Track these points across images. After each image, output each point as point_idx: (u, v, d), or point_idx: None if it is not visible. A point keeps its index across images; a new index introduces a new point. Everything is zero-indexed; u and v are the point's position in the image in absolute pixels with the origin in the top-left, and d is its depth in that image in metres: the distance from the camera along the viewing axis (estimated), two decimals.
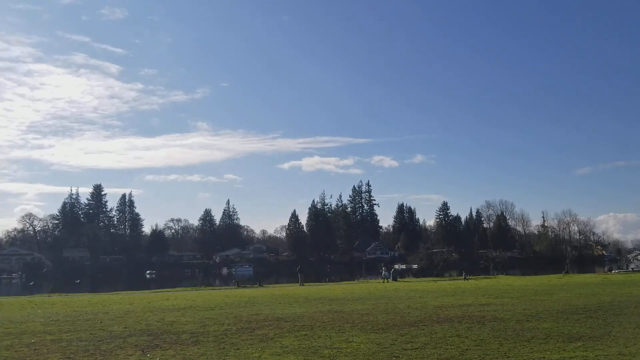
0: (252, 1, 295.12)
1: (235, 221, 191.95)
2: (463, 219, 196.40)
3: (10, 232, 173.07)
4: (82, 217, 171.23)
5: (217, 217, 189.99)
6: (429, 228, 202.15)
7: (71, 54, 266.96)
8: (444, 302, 25.84)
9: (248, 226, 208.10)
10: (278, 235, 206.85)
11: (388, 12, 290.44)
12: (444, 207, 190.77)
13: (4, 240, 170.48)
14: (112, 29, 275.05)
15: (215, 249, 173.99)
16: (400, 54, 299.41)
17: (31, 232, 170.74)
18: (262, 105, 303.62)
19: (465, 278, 56.54)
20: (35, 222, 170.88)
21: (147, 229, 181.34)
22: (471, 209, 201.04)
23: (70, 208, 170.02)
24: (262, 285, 51.70)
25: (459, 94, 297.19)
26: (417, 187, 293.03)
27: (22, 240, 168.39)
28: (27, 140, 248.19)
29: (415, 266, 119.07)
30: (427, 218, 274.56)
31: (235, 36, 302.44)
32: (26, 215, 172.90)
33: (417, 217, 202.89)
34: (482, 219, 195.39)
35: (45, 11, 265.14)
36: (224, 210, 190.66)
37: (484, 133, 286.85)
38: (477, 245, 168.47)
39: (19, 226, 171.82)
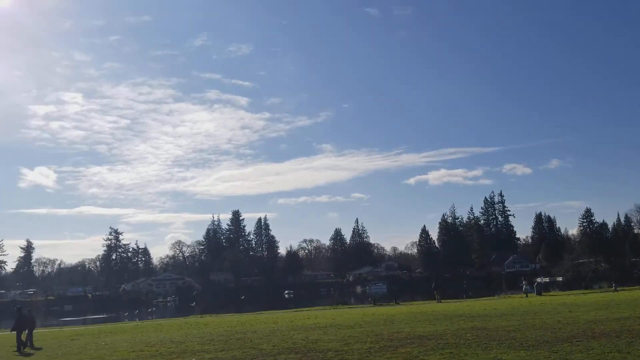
0: (366, 21, 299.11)
1: (365, 239, 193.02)
2: (610, 225, 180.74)
3: (163, 258, 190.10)
4: (224, 242, 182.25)
5: (347, 236, 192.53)
6: (572, 237, 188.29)
7: (205, 91, 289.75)
8: (598, 315, 24.03)
9: (378, 244, 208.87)
10: (409, 252, 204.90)
11: (509, 13, 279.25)
12: (588, 214, 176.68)
13: (159, 266, 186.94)
14: (239, 64, 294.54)
15: (347, 268, 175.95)
16: (524, 54, 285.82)
17: (181, 258, 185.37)
18: (383, 122, 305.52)
19: (615, 289, 51.97)
20: (184, 249, 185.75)
21: (282, 250, 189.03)
22: (618, 215, 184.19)
23: (213, 234, 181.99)
24: (398, 303, 51.49)
25: (593, 92, 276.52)
26: (555, 194, 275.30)
27: (173, 265, 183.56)
28: (173, 173, 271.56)
29: (559, 279, 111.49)
30: (569, 227, 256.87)
31: (353, 56, 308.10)
32: (176, 242, 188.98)
33: (557, 226, 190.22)
34: (632, 224, 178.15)
35: (181, 54, 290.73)
36: (354, 229, 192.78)
37: (625, 132, 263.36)
38: (628, 253, 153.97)
39: (170, 253, 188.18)
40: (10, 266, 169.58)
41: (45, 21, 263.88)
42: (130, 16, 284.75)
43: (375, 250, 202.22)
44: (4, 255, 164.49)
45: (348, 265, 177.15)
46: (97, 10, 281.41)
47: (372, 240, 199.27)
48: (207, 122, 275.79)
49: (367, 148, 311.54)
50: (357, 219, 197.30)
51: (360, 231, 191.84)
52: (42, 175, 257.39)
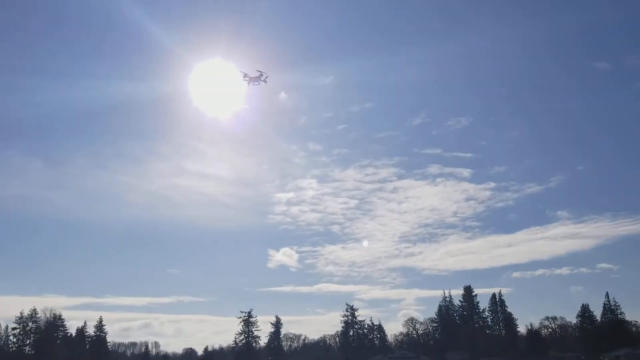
0: (596, 75, 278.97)
1: (619, 316, 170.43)
2: None
3: (397, 335, 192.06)
4: (457, 319, 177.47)
5: (597, 312, 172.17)
6: None
7: (427, 167, 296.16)
8: None
9: (636, 321, 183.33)
10: None
11: None
12: None
13: (393, 343, 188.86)
14: (459, 136, 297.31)
15: (600, 349, 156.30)
16: None
17: (414, 335, 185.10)
18: (628, 182, 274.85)
19: None
20: (417, 326, 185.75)
21: (521, 328, 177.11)
22: None
23: (445, 310, 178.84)
24: None
25: None
26: None
27: (408, 343, 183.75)
28: (400, 249, 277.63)
29: None
30: None
31: (583, 115, 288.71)
32: (408, 319, 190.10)
33: None
34: None
35: (402, 134, 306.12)
36: (604, 304, 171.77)
37: None
38: None
39: (404, 330, 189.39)
40: (263, 341, 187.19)
41: (284, 120, 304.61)
42: (355, 105, 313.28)
43: (634, 329, 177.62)
44: (257, 330, 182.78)
45: (601, 345, 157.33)
46: (326, 104, 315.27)
47: (628, 317, 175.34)
48: (431, 196, 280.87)
49: (612, 212, 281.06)
50: (606, 292, 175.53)
51: (613, 307, 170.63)
52: (285, 256, 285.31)
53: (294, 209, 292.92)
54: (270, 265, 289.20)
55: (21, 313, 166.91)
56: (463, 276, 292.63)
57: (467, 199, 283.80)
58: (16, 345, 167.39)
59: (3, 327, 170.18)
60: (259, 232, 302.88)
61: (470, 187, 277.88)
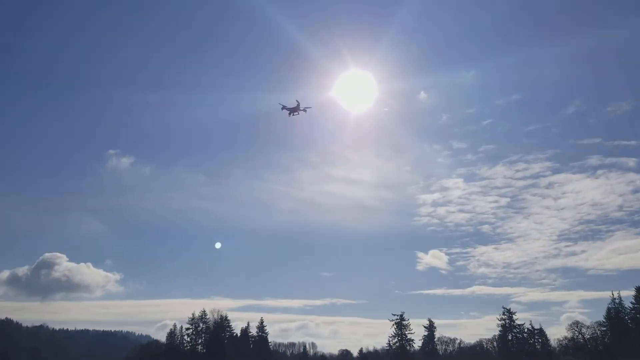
0: None
1: None
2: None
3: (561, 340, 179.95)
4: (630, 323, 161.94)
5: None
6: None
7: (585, 158, 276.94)
8: None
9: None
10: None
11: None
12: None
13: (557, 348, 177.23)
14: (620, 123, 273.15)
15: None
16: None
17: (581, 340, 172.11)
18: None
19: None
20: (583, 330, 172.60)
21: None
22: None
23: (615, 313, 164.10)
24: None
25: None
26: None
27: (573, 348, 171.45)
28: (560, 248, 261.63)
29: None
30: None
31: None
32: (573, 323, 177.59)
33: None
34: None
35: (554, 125, 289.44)
36: None
37: None
38: None
39: (568, 334, 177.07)
40: (417, 344, 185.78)
41: (425, 120, 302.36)
42: (500, 98, 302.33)
43: None
44: (410, 333, 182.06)
45: None
46: (469, 100, 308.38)
47: None
48: (591, 190, 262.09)
49: None
50: None
51: None
52: (435, 258, 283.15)
53: (441, 210, 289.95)
54: (420, 267, 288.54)
55: (193, 314, 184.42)
56: (634, 275, 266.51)
57: (635, 191, 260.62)
58: (190, 344, 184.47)
59: (178, 327, 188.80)
60: (407, 234, 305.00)
61: (638, 178, 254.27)
